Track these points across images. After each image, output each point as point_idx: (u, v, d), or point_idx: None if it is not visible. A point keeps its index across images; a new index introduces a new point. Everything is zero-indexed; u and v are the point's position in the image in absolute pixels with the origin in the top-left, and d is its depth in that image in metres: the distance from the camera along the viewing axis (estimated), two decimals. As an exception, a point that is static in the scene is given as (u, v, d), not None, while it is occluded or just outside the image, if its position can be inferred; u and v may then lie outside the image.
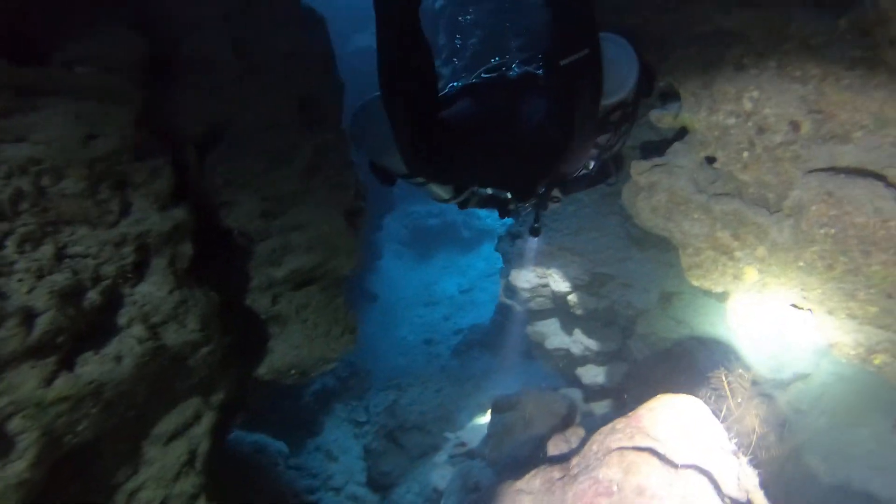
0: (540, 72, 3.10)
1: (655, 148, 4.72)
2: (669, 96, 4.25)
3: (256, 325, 3.75)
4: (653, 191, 4.32)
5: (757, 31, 3.30)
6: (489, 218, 18.96)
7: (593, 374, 7.90)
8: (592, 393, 8.10)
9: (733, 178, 3.84)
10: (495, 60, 3.37)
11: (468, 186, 3.41)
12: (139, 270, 3.01)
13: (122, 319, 2.83)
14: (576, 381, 8.55)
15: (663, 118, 4.25)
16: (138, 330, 2.83)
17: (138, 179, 3.07)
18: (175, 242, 3.13)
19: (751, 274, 4.03)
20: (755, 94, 3.46)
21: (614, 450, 2.69)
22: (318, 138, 3.93)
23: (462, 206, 3.60)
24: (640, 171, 4.44)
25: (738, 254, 4.00)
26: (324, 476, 10.30)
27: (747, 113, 3.53)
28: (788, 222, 3.59)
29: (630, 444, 2.75)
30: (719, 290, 4.45)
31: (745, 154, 3.63)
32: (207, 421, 3.45)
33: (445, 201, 3.54)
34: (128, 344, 2.76)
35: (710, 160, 4.04)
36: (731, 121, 3.62)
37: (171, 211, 3.15)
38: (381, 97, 2.63)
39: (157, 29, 3.55)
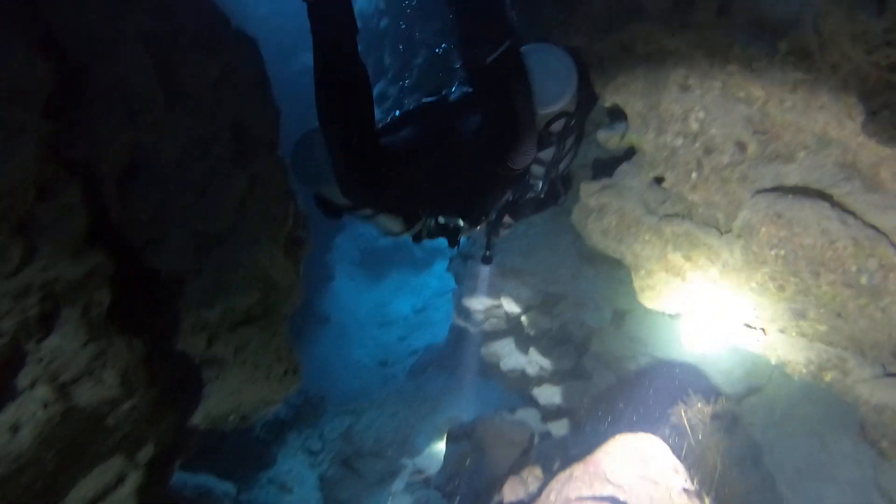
0: None
1: (605, 167, 4.65)
2: (616, 116, 4.18)
3: (190, 369, 3.42)
4: (603, 213, 4.22)
5: (701, 52, 3.24)
6: (441, 235, 18.85)
7: (549, 395, 7.78)
8: (549, 413, 7.98)
9: (683, 199, 3.78)
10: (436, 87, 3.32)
11: (417, 215, 3.29)
12: (47, 322, 2.68)
13: (23, 381, 2.48)
14: (532, 401, 8.44)
15: (611, 139, 4.17)
16: (43, 392, 2.49)
17: (45, 220, 2.73)
18: (89, 289, 2.79)
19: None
20: (701, 114, 3.40)
21: (573, 500, 2.53)
22: (253, 167, 3.64)
23: (416, 238, 3.48)
24: (590, 193, 4.35)
25: (690, 275, 3.94)
26: (277, 512, 9.82)
27: (694, 133, 3.47)
28: (739, 243, 3.53)
29: (589, 492, 2.59)
30: (673, 311, 4.39)
31: (694, 174, 3.57)
32: (133, 481, 3.10)
33: (396, 234, 3.43)
34: (28, 409, 2.42)
35: (659, 180, 3.98)
36: (679, 141, 3.55)
37: (84, 254, 2.81)
38: (319, 126, 2.51)
39: (66, 50, 3.22)
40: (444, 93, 3.20)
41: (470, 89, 3.18)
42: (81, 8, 3.06)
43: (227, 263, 3.43)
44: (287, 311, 3.71)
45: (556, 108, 2.89)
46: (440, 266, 17.35)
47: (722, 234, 3.65)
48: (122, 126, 3.29)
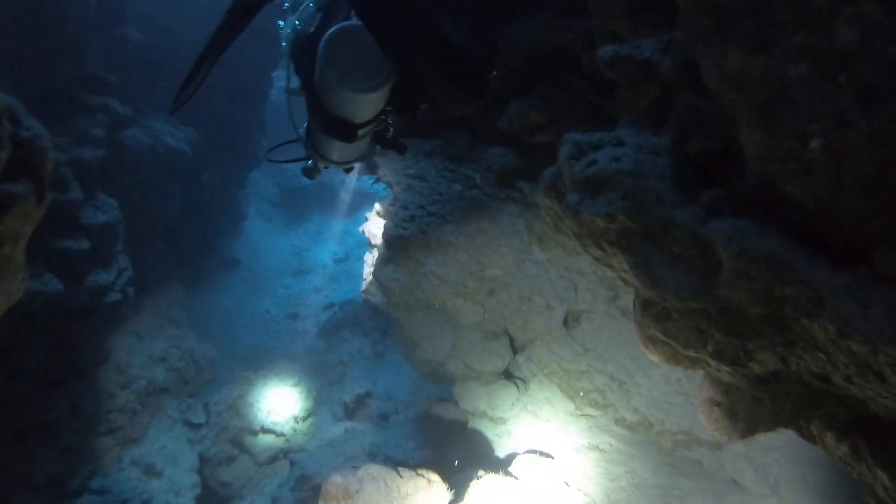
0: None
1: (598, 113, 2.62)
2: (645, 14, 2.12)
3: None
4: (599, 194, 2.20)
5: None
6: (370, 180, 16.43)
7: (474, 398, 5.98)
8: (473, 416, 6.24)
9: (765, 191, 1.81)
10: None
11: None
12: None
13: None
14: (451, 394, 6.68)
15: (623, 61, 2.12)
16: None
17: None
18: None
19: (767, 360, 2.08)
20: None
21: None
22: None
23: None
24: (573, 156, 2.32)
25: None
26: (136, 501, 7.80)
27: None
28: None
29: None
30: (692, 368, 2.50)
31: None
32: None
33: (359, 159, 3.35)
34: None
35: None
36: (801, 68, 1.54)
37: None
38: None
39: None
40: None
41: None
42: None
43: None
44: None
45: None
46: (367, 212, 15.09)
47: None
48: None
